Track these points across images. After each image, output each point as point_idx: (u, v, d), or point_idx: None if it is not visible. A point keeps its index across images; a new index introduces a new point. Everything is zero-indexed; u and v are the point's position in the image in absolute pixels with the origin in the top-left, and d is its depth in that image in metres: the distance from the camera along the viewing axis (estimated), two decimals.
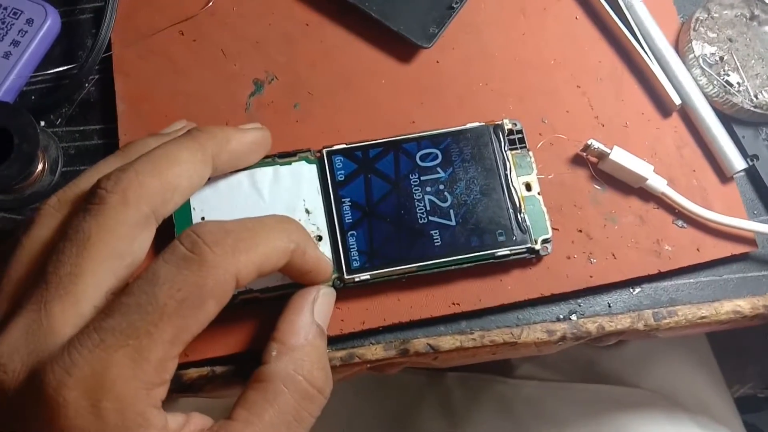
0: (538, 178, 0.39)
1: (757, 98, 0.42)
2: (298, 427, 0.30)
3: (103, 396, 0.25)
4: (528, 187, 0.39)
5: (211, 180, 0.37)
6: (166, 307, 0.26)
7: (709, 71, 0.42)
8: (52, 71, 0.42)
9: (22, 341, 0.26)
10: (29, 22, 0.42)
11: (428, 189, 0.38)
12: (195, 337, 0.27)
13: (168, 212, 0.31)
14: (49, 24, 0.42)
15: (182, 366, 0.36)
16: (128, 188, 0.29)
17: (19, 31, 0.42)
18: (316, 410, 0.31)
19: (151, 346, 0.25)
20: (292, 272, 0.33)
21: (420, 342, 0.38)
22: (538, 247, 0.37)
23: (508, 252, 0.37)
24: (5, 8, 0.42)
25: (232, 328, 0.36)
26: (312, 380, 0.31)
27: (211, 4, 0.43)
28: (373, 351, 0.37)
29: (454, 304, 0.38)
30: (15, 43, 0.41)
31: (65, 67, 0.42)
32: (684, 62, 0.43)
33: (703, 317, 0.39)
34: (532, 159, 0.39)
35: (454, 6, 0.42)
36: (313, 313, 0.33)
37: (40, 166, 0.40)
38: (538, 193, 0.38)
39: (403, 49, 0.42)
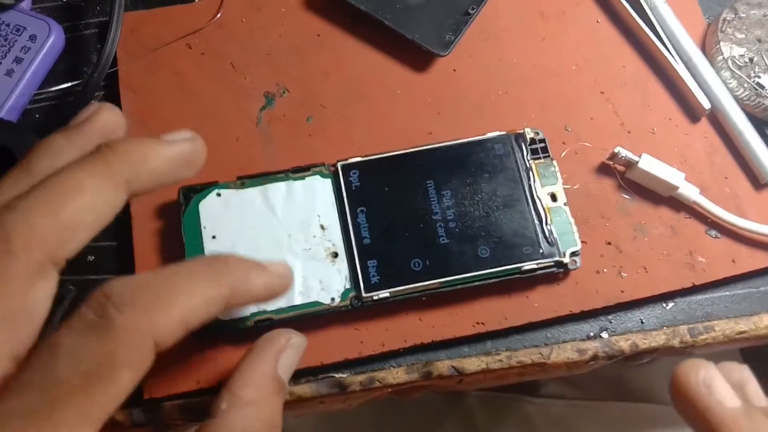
0: (563, 188, 0.37)
1: None
2: None
3: None
4: (553, 197, 0.37)
5: (222, 196, 0.35)
6: (68, 384, 0.22)
7: (739, 73, 0.40)
8: (56, 88, 0.41)
9: None
10: (32, 38, 0.41)
11: (448, 202, 0.36)
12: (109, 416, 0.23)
13: (70, 254, 0.25)
14: (53, 40, 0.41)
15: (195, 394, 0.35)
16: (13, 233, 0.23)
17: (22, 48, 0.40)
18: None
19: (52, 430, 0.21)
20: (240, 306, 0.29)
21: (444, 364, 0.36)
22: (566, 260, 0.35)
23: (535, 266, 0.35)
24: (8, 25, 0.41)
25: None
26: None
27: (219, 16, 0.41)
28: (395, 374, 0.36)
29: (478, 323, 0.36)
30: (18, 60, 0.40)
31: (70, 84, 0.41)
32: (712, 65, 0.41)
33: (742, 332, 0.37)
34: (557, 168, 0.37)
35: (471, 12, 0.41)
36: (277, 366, 0.29)
37: None
38: (565, 204, 0.37)
39: (418, 57, 0.41)
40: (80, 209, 0.25)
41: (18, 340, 0.24)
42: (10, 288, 0.23)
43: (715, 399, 0.27)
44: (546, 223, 0.36)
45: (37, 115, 0.41)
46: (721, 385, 0.28)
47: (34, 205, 0.24)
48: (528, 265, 0.35)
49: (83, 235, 0.25)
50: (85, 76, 0.41)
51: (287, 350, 0.30)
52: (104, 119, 0.29)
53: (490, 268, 0.35)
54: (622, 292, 0.37)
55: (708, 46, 0.42)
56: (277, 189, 0.36)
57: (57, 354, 0.22)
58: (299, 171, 0.36)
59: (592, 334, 0.37)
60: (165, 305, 0.24)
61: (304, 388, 0.35)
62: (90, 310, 0.23)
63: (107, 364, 0.22)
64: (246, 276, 0.28)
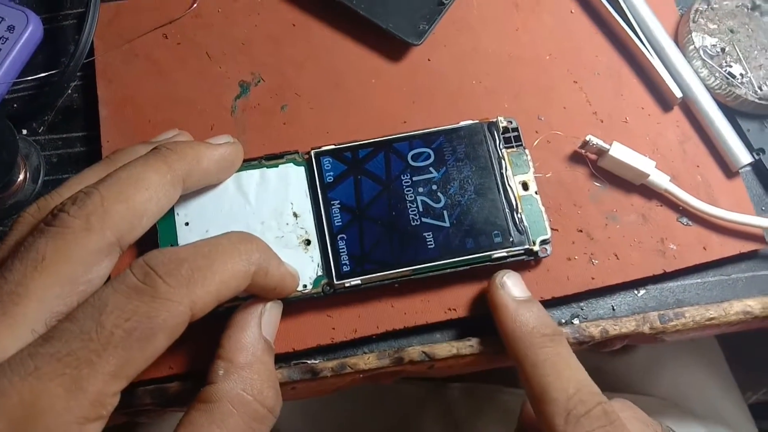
0: (535, 177, 0.37)
1: (761, 90, 0.40)
2: None
3: (30, 429, 0.23)
4: (525, 186, 0.37)
5: None
6: (113, 337, 0.24)
7: (711, 63, 0.41)
8: (33, 77, 0.41)
9: None
10: (10, 29, 0.41)
11: (420, 189, 0.36)
12: (143, 370, 0.26)
13: (134, 239, 0.29)
14: (31, 30, 0.41)
15: (167, 379, 0.35)
16: (92, 214, 0.27)
17: (0, 38, 0.41)
18: (266, 431, 0.29)
19: (90, 376, 0.24)
20: (255, 292, 0.31)
21: (415, 350, 0.36)
22: (536, 248, 0.36)
23: (506, 254, 0.36)
24: None
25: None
26: (262, 400, 0.29)
27: (195, 6, 0.42)
28: (366, 360, 0.36)
29: (450, 309, 0.36)
30: None
31: (47, 74, 0.41)
32: (684, 54, 0.41)
33: (712, 318, 0.38)
34: (529, 157, 0.37)
35: (445, 2, 0.41)
36: (261, 328, 0.31)
37: (21, 176, 0.39)
38: (536, 192, 0.37)
39: (392, 47, 0.41)
40: (147, 200, 0.29)
41: (68, 305, 0.26)
42: (81, 258, 0.26)
43: (503, 292, 0.34)
44: (517, 212, 0.36)
45: (15, 105, 0.41)
46: (512, 283, 0.35)
47: (110, 192, 0.28)
48: (498, 253, 0.35)
49: (147, 223, 0.29)
50: (63, 67, 0.41)
51: (266, 314, 0.32)
52: (179, 139, 0.35)
53: (461, 256, 0.35)
54: (593, 278, 0.37)
55: (680, 36, 0.42)
56: (251, 176, 0.36)
57: (103, 309, 0.25)
58: (273, 158, 0.37)
59: (563, 320, 0.37)
60: (203, 278, 0.27)
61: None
62: (134, 276, 0.26)
63: (149, 326, 0.25)
64: (271, 256, 0.31)
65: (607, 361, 0.57)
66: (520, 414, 0.37)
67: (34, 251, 0.26)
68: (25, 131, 0.41)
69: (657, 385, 0.57)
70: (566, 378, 0.31)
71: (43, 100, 0.40)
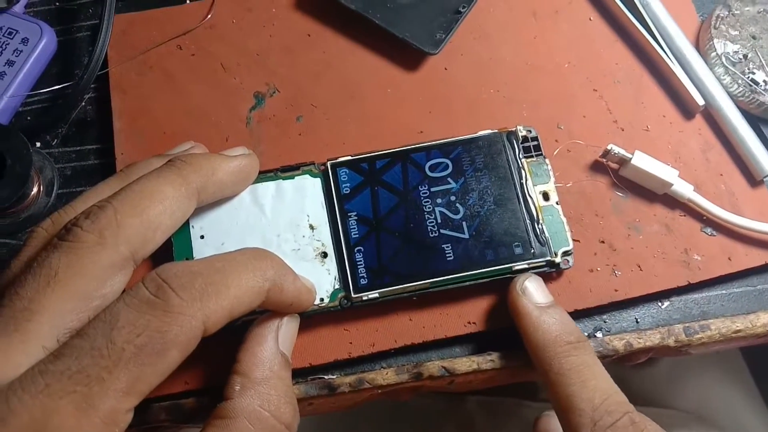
0: (555, 187, 0.36)
1: None
2: None
3: None
4: (545, 196, 0.36)
5: None
6: (124, 353, 0.24)
7: (733, 70, 0.40)
8: (47, 90, 0.41)
9: None
10: (24, 41, 0.41)
11: (439, 200, 0.36)
12: (155, 387, 0.25)
13: (148, 252, 0.29)
14: (45, 43, 0.41)
15: (183, 395, 0.34)
16: (106, 228, 0.27)
17: (14, 51, 0.40)
18: None
19: (101, 394, 0.23)
20: (270, 308, 0.31)
21: (434, 365, 0.35)
22: (558, 260, 0.35)
23: (527, 266, 0.35)
24: (0, 27, 0.41)
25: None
26: (279, 416, 0.28)
27: (210, 17, 0.41)
28: (384, 375, 0.35)
29: (469, 323, 0.36)
30: (9, 63, 0.40)
31: (60, 86, 0.41)
32: (706, 61, 0.41)
33: (738, 331, 0.37)
34: (549, 166, 0.37)
35: (462, 10, 0.40)
36: (278, 342, 0.30)
37: (35, 189, 0.39)
38: (557, 203, 0.36)
39: (409, 56, 0.41)
40: (161, 212, 0.29)
41: (81, 321, 0.26)
42: (94, 273, 0.26)
43: (524, 299, 0.33)
44: (538, 223, 0.35)
45: (28, 118, 0.41)
46: (533, 288, 0.34)
47: (123, 206, 0.28)
48: (519, 265, 0.35)
49: (161, 236, 0.29)
50: (76, 79, 0.41)
51: (283, 328, 0.31)
52: (194, 152, 0.35)
53: (481, 269, 0.35)
54: (616, 290, 0.36)
55: (701, 43, 0.41)
56: (266, 188, 0.36)
57: (114, 325, 0.24)
58: (288, 170, 0.36)
59: (586, 333, 0.36)
60: (217, 292, 0.26)
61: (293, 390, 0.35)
62: (147, 289, 0.25)
63: (161, 341, 0.24)
64: (286, 272, 0.30)
65: (629, 373, 0.56)
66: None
67: (47, 266, 0.26)
68: (38, 144, 0.40)
69: (680, 397, 0.56)
70: (592, 387, 0.31)
71: (57, 113, 0.40)
